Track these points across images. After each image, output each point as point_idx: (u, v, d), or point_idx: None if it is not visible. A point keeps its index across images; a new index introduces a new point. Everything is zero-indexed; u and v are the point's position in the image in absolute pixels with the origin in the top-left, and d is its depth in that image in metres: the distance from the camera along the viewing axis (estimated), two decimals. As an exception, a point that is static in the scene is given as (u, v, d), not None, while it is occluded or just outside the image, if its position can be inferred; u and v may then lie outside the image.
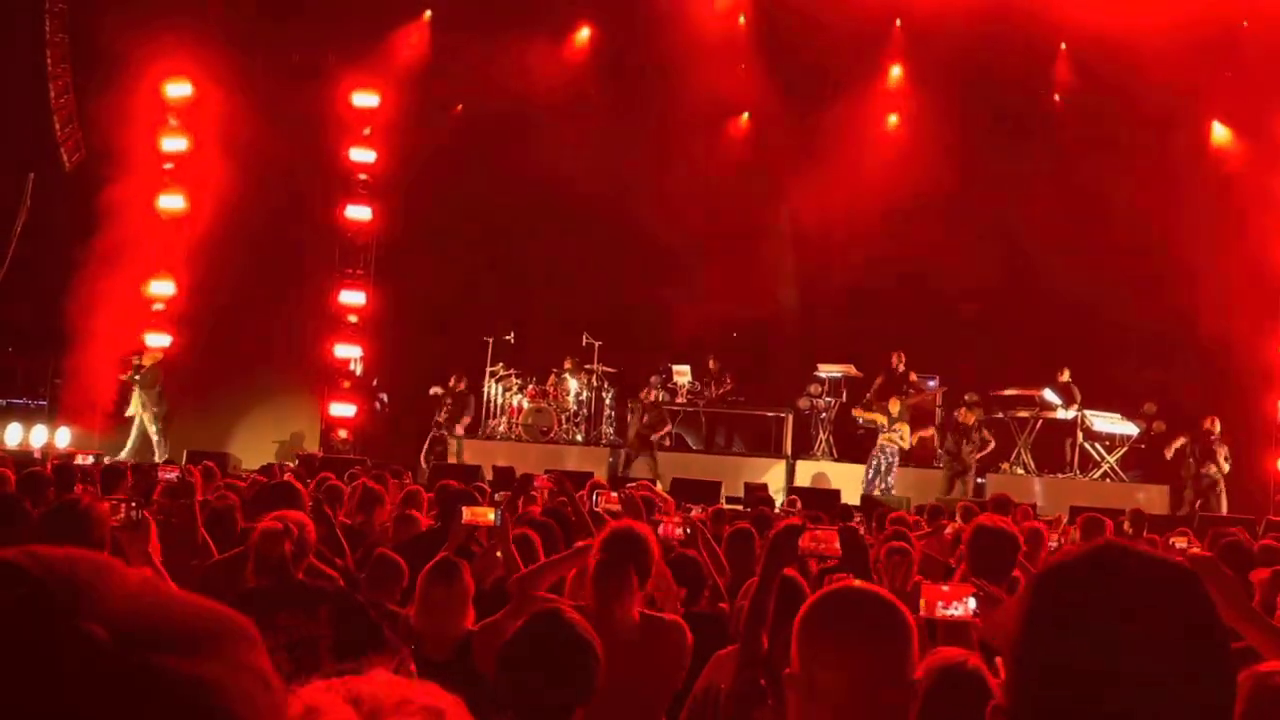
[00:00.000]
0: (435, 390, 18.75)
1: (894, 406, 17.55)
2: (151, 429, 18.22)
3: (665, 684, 4.30)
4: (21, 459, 12.88)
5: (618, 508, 7.01)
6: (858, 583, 2.48)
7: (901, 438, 17.43)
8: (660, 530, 6.16)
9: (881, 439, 17.48)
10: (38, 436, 17.22)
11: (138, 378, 18.18)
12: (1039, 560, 5.77)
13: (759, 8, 19.82)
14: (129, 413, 18.31)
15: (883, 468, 17.26)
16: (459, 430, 18.61)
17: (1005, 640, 1.45)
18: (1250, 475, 18.14)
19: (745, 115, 20.82)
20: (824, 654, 2.13)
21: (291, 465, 14.29)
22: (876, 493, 16.40)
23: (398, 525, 7.71)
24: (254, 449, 18.85)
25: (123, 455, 16.91)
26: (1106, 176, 17.73)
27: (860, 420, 18.22)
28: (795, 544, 3.78)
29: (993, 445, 17.66)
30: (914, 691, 2.15)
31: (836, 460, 18.51)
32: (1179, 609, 1.37)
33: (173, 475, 8.76)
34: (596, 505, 7.27)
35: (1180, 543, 8.13)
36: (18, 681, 0.64)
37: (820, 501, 13.48)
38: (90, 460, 12.12)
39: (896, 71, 20.33)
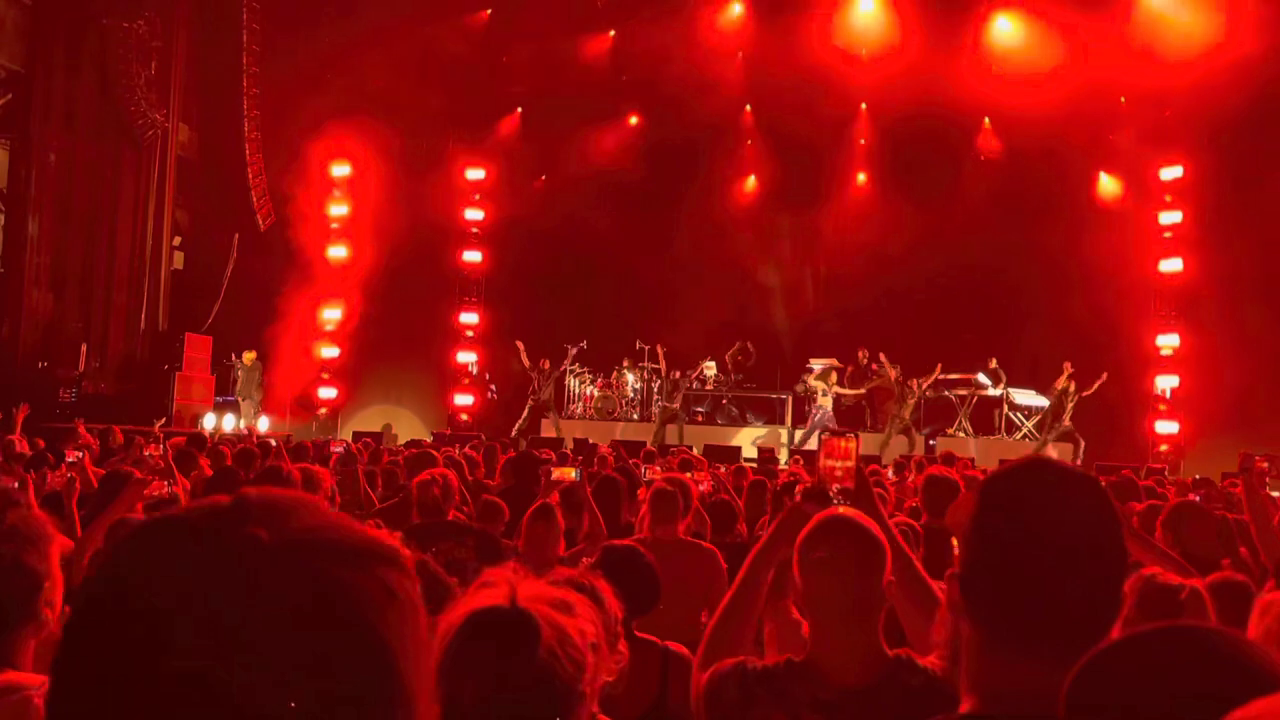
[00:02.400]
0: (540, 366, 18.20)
1: (830, 379, 17.57)
2: (245, 406, 17.79)
3: (703, 591, 4.31)
4: (234, 440, 13.12)
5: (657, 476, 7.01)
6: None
7: (829, 401, 17.40)
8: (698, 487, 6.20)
9: (819, 401, 17.44)
10: (244, 423, 17.46)
11: (241, 371, 17.89)
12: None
13: (759, 99, 19.74)
14: (239, 395, 17.92)
15: (822, 419, 17.08)
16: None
17: (961, 524, 1.44)
18: (1137, 434, 17.90)
19: (751, 179, 20.75)
20: (814, 546, 2.10)
21: (428, 440, 14.43)
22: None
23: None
24: (401, 428, 19.06)
25: (242, 425, 16.91)
26: (1026, 215, 17.53)
27: (805, 385, 18.05)
28: (793, 494, 3.81)
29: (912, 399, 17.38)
30: (888, 593, 2.11)
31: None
32: (1086, 501, 1.36)
33: (340, 449, 8.87)
34: (645, 475, 7.23)
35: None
36: (196, 565, 0.65)
37: (813, 459, 13.40)
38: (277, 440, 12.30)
39: (862, 141, 20.19)
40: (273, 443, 11.07)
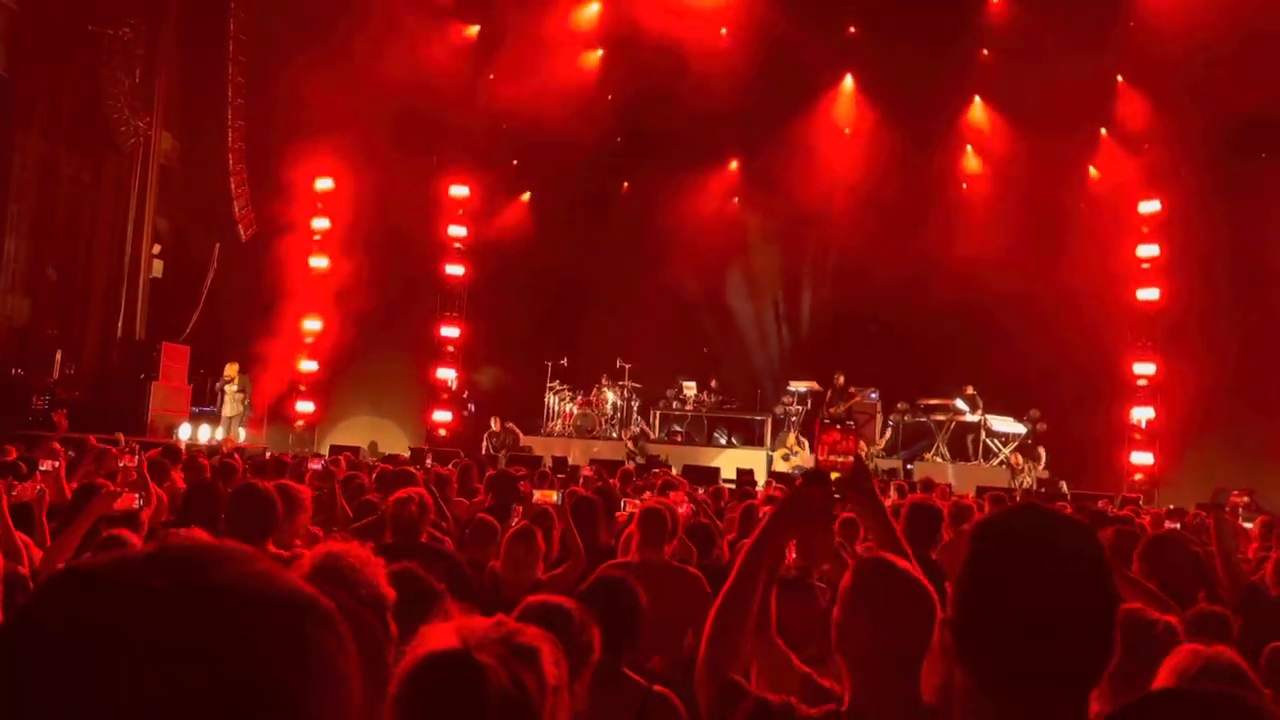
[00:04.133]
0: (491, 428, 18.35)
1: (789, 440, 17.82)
2: (230, 419, 17.55)
3: (687, 615, 4.29)
4: (209, 452, 12.97)
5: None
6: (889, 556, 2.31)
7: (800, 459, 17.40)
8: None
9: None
10: (221, 435, 17.29)
11: (229, 388, 17.64)
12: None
13: (742, 122, 19.80)
14: (226, 413, 17.63)
15: None
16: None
17: (954, 570, 1.43)
18: (1111, 463, 18.01)
19: (735, 200, 20.78)
20: (862, 597, 2.05)
21: (405, 456, 14.32)
22: None
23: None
24: (381, 443, 18.90)
25: (219, 436, 16.64)
26: (1003, 243, 17.62)
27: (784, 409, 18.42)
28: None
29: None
30: (933, 644, 2.02)
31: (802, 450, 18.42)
32: (1077, 548, 1.37)
33: (318, 465, 8.78)
34: (625, 506, 7.10)
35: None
36: (88, 612, 0.66)
37: (788, 482, 13.42)
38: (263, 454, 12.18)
39: (845, 168, 20.24)
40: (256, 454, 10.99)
